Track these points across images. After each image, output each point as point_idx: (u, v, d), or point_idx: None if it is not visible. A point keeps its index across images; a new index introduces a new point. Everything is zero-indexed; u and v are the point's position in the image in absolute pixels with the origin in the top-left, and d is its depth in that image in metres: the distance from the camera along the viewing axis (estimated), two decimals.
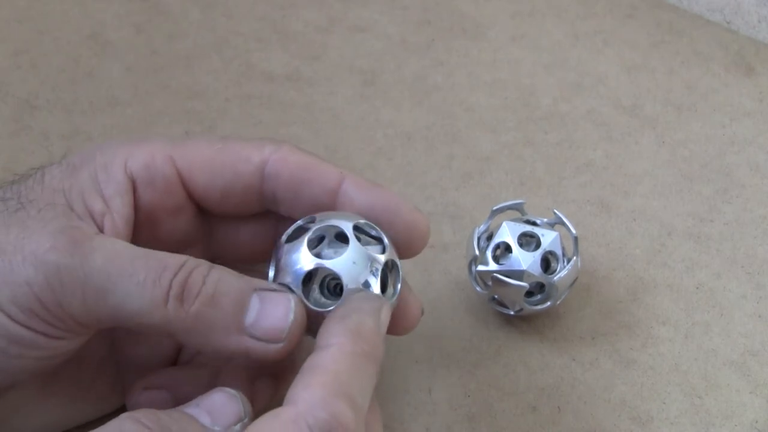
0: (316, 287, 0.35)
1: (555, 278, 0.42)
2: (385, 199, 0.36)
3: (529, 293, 0.42)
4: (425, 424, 0.40)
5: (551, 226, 0.44)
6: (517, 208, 0.44)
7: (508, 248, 0.42)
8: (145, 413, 0.30)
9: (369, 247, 0.34)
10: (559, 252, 0.42)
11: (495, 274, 0.42)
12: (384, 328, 0.33)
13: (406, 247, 0.37)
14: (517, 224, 0.43)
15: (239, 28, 0.61)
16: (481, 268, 0.42)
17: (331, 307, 0.34)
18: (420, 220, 0.37)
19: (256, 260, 0.39)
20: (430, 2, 0.62)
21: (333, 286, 0.35)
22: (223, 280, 0.33)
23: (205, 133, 0.38)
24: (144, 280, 0.32)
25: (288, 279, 0.34)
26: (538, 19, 0.61)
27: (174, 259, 0.33)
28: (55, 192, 0.34)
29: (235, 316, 0.33)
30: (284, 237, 0.35)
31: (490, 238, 0.43)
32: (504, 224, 0.43)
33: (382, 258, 0.34)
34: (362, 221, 0.35)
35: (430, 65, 0.58)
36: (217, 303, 0.33)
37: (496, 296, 0.43)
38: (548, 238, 0.42)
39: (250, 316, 0.33)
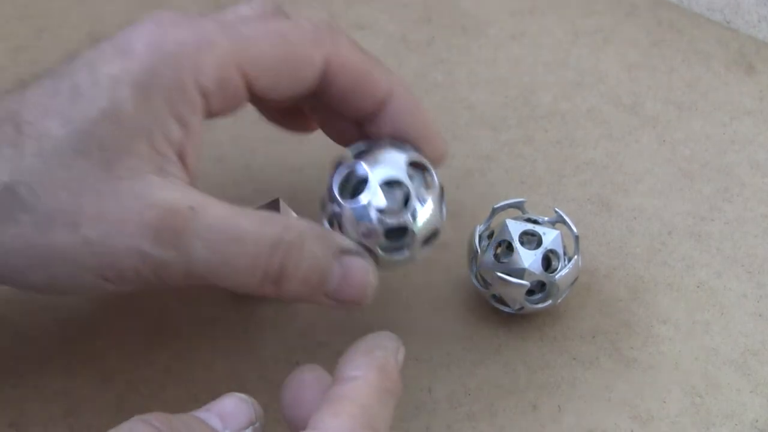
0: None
1: (556, 277, 0.42)
2: (422, 120, 0.39)
3: (530, 292, 0.42)
4: (425, 423, 0.40)
5: (552, 224, 0.44)
6: (518, 206, 0.44)
7: (509, 246, 0.42)
8: (156, 416, 0.30)
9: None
10: (560, 251, 0.42)
11: (496, 273, 0.41)
12: (400, 367, 0.35)
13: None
14: (519, 222, 0.43)
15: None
16: (482, 266, 0.42)
17: (399, 256, 0.38)
18: (442, 146, 0.40)
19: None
20: (431, 0, 0.62)
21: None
22: (313, 254, 0.36)
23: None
24: (241, 267, 0.35)
25: (355, 236, 0.37)
26: (539, 17, 0.61)
27: (267, 240, 0.35)
28: (136, 137, 0.34)
29: (320, 287, 0.36)
30: (336, 188, 0.38)
31: (491, 236, 0.43)
32: (505, 222, 0.43)
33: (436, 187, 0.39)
34: (412, 160, 0.38)
35: (430, 63, 0.58)
36: (308, 281, 0.36)
37: (496, 294, 0.43)
38: (549, 236, 0.42)
39: (332, 283, 0.36)
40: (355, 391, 0.32)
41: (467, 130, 0.54)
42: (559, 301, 0.43)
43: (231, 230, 0.34)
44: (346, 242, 0.37)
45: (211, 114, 0.36)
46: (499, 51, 0.59)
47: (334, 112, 0.40)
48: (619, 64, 0.58)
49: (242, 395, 0.33)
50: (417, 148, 0.39)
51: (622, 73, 0.57)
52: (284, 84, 0.37)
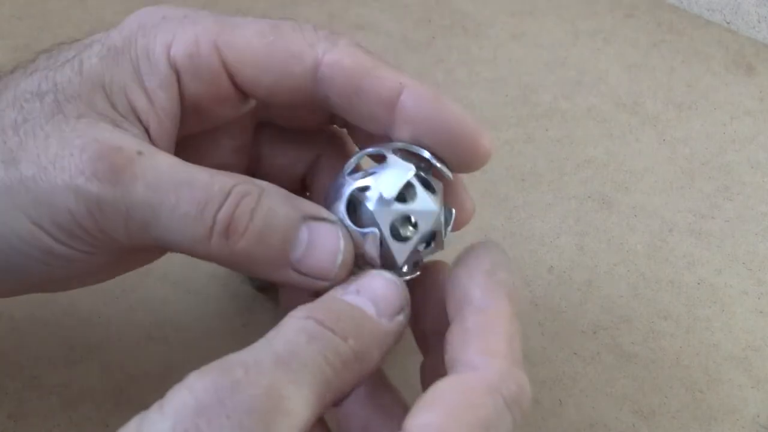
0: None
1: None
2: (446, 118, 0.33)
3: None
4: None
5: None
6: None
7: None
8: (318, 309, 0.29)
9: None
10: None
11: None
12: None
13: (464, 166, 0.34)
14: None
15: None
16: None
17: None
18: (483, 143, 0.33)
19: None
20: (431, 0, 0.62)
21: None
22: (273, 210, 0.31)
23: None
24: (187, 214, 0.31)
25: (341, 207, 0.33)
26: (539, 17, 0.61)
27: (219, 187, 0.31)
28: (94, 87, 0.32)
29: (282, 252, 0.31)
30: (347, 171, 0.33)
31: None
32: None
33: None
34: (418, 170, 0.33)
35: (430, 63, 0.58)
36: (264, 239, 0.31)
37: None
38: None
39: (298, 251, 0.31)
40: (497, 324, 0.29)
41: None
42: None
43: (179, 175, 0.31)
44: (315, 209, 0.32)
45: (190, 98, 0.33)
46: (499, 51, 0.59)
47: (359, 130, 0.36)
48: (619, 64, 0.58)
49: (388, 275, 0.31)
50: (435, 153, 0.33)
51: (622, 73, 0.57)
52: (269, 78, 0.33)
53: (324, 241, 0.32)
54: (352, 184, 0.32)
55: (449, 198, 0.34)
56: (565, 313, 0.44)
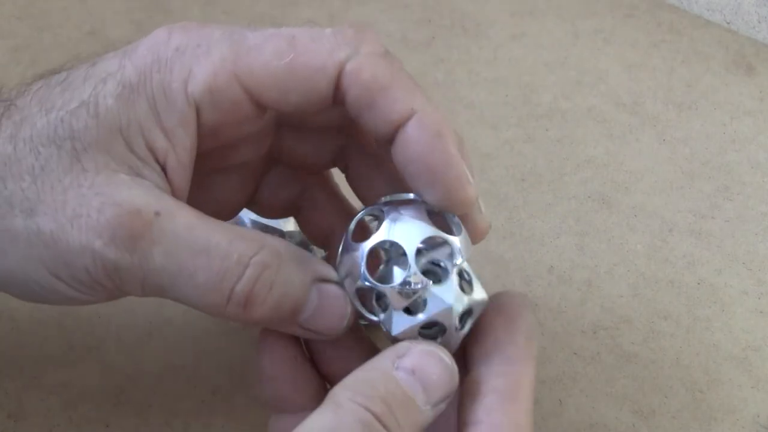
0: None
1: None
2: (439, 160, 0.31)
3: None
4: None
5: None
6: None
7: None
8: (379, 401, 0.29)
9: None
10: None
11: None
12: None
13: (446, 207, 0.33)
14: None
15: (239, 25, 0.61)
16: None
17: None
18: (466, 194, 0.32)
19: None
20: (431, 0, 0.62)
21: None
22: (289, 280, 0.32)
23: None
24: (205, 283, 0.31)
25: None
26: (539, 17, 0.61)
27: (237, 257, 0.31)
28: (111, 132, 0.32)
29: (293, 315, 0.32)
30: (350, 234, 0.33)
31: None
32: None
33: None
34: (429, 237, 0.31)
35: (430, 63, 0.58)
36: (280, 307, 0.32)
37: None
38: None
39: (306, 313, 0.32)
40: (523, 391, 0.31)
41: (467, 129, 0.53)
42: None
43: (197, 241, 0.31)
44: (324, 269, 0.32)
45: (208, 126, 0.33)
46: (499, 51, 0.59)
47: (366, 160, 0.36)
48: (619, 64, 0.58)
49: (445, 355, 0.30)
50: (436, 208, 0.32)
51: (622, 73, 0.57)
52: (295, 97, 0.32)
53: (333, 303, 0.32)
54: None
55: (440, 183, 0.32)
56: (565, 313, 0.44)
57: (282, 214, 0.40)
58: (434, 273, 0.32)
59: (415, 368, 0.30)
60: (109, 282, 0.31)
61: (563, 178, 0.51)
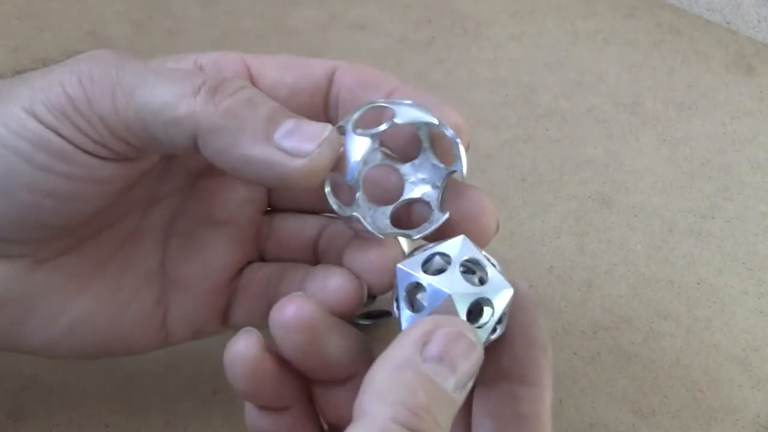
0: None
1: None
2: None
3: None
4: None
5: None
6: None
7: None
8: (407, 407, 0.27)
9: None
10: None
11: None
12: None
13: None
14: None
15: (239, 25, 0.61)
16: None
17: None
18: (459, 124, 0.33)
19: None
20: (431, 1, 0.62)
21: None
22: (263, 95, 0.32)
23: None
24: (175, 76, 0.31)
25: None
26: (539, 17, 0.61)
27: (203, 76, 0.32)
28: None
29: (268, 124, 0.31)
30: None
31: None
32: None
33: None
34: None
35: (430, 63, 0.58)
36: (254, 106, 0.31)
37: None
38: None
39: (283, 130, 0.31)
40: (546, 416, 0.31)
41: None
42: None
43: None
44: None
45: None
46: (498, 51, 0.59)
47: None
48: (619, 65, 0.58)
49: (469, 332, 0.29)
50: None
51: (622, 73, 0.57)
52: (291, 78, 0.35)
53: (310, 125, 0.31)
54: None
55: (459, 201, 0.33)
56: (565, 313, 0.44)
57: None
58: (440, 269, 0.31)
59: (443, 354, 0.28)
60: (78, 90, 0.31)
61: (563, 178, 0.51)
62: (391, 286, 0.32)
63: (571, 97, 0.56)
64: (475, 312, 0.30)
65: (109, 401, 0.40)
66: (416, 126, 0.34)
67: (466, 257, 0.30)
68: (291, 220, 0.38)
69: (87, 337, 0.36)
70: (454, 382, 0.28)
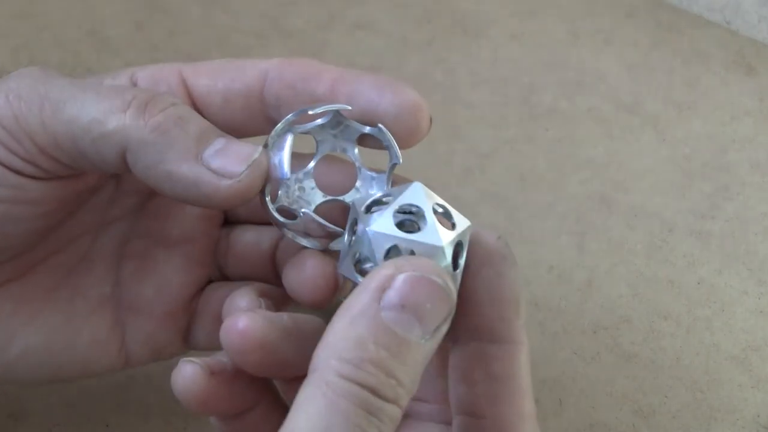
0: None
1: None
2: (370, 91, 0.33)
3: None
4: None
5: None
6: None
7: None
8: (358, 360, 0.25)
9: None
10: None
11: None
12: None
13: (402, 137, 0.33)
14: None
15: (239, 24, 0.61)
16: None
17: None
18: (411, 104, 0.33)
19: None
20: (431, 1, 0.62)
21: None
22: (193, 113, 0.31)
23: None
24: (105, 92, 0.31)
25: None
26: (539, 18, 0.61)
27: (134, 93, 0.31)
28: None
29: (197, 142, 0.30)
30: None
31: None
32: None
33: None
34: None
35: (430, 63, 0.58)
36: (183, 124, 0.30)
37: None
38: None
39: (212, 149, 0.31)
40: (523, 375, 0.30)
41: (467, 129, 0.54)
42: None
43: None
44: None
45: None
46: (499, 51, 0.59)
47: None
48: (619, 64, 0.58)
49: (435, 275, 0.27)
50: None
51: (622, 73, 0.57)
52: (222, 83, 0.34)
53: (240, 146, 0.31)
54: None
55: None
56: (565, 313, 0.44)
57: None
58: (410, 222, 0.29)
59: (404, 302, 0.26)
60: (6, 110, 0.31)
61: (563, 178, 0.51)
62: (328, 301, 0.31)
63: (571, 97, 0.56)
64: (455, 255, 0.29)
65: (109, 401, 0.40)
66: (338, 120, 0.33)
67: (432, 203, 0.29)
68: (249, 232, 0.37)
69: (41, 364, 0.35)
70: (421, 330, 0.26)
